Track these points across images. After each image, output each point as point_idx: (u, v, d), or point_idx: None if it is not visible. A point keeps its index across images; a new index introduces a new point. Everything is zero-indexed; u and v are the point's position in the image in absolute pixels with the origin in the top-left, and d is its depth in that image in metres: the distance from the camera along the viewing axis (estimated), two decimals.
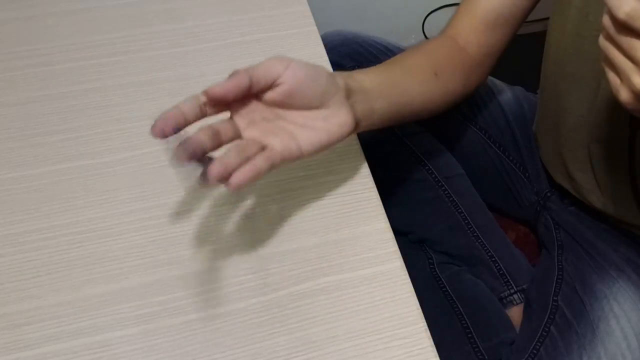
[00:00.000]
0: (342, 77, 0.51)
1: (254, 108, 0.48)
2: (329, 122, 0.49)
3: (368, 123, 0.55)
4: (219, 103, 0.45)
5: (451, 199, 0.82)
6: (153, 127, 0.42)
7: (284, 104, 0.48)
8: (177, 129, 0.42)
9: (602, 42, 0.41)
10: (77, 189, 0.59)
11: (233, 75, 0.45)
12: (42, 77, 0.70)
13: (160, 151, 0.62)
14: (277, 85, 0.47)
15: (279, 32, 0.74)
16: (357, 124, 0.52)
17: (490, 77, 0.86)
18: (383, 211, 0.57)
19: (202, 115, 0.45)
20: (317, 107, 0.49)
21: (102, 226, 0.56)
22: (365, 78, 0.55)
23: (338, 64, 0.81)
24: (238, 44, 0.73)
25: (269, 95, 0.47)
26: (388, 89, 0.57)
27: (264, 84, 0.46)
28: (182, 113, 0.43)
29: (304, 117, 0.49)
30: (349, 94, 0.51)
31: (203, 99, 0.45)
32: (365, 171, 0.60)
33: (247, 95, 0.46)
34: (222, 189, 0.58)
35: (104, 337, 0.49)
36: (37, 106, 0.66)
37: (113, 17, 0.77)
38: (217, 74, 0.69)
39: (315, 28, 0.74)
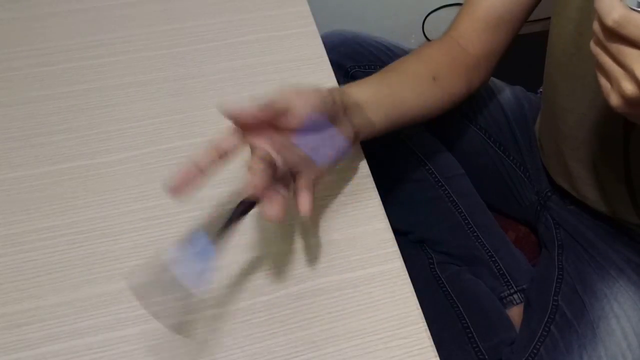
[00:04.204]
0: (337, 94, 0.52)
1: (272, 138, 0.48)
2: (336, 139, 0.50)
3: (367, 134, 0.56)
4: (240, 126, 0.46)
5: (451, 199, 0.82)
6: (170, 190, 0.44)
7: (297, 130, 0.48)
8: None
9: (593, 47, 0.42)
10: (77, 189, 0.59)
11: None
12: (42, 77, 0.69)
13: (160, 151, 0.62)
14: (291, 114, 0.47)
15: (279, 32, 0.74)
16: (355, 136, 0.54)
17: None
18: (383, 211, 0.57)
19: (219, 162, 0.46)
20: (324, 127, 0.49)
21: (102, 226, 0.56)
22: (359, 91, 0.56)
23: (338, 64, 0.81)
24: (238, 44, 0.73)
25: (284, 123, 0.47)
26: (383, 99, 0.59)
27: (278, 112, 0.46)
28: (198, 168, 0.44)
29: (315, 139, 0.49)
30: (344, 109, 0.52)
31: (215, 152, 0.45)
32: (365, 171, 0.60)
33: (263, 126, 0.47)
34: (220, 189, 0.58)
35: (104, 337, 0.49)
36: (37, 106, 0.66)
37: (113, 17, 0.77)
38: (217, 74, 0.70)
39: (315, 28, 0.74)
